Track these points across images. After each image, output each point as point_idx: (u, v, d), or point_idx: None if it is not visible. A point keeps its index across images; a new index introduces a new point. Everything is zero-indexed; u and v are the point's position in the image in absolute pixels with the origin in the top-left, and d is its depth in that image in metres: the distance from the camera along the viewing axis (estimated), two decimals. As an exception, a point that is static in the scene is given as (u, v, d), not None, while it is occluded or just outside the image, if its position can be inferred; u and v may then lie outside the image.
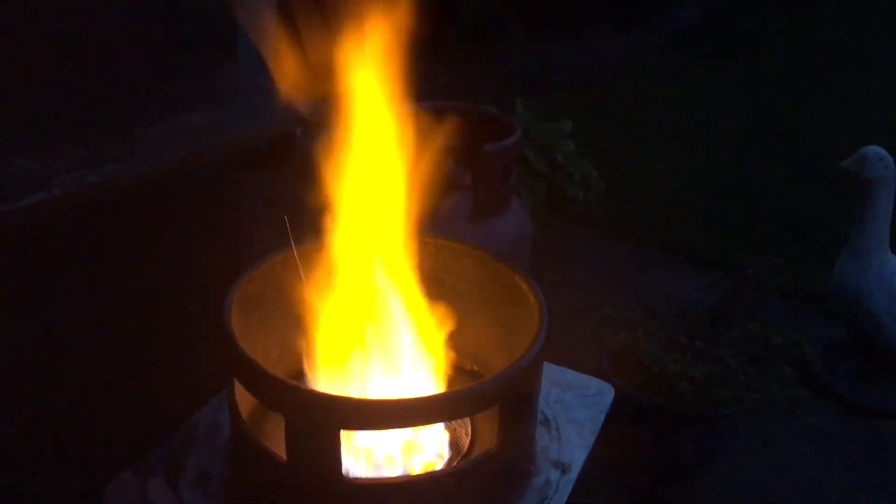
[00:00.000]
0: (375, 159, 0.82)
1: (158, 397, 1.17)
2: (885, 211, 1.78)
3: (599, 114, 3.41)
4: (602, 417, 0.92)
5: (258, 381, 0.73)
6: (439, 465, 0.82)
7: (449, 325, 0.84)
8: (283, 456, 0.74)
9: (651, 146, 3.19)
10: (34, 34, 1.11)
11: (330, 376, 0.82)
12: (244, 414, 0.80)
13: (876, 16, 5.27)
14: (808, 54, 4.51)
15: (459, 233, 0.96)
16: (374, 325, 0.82)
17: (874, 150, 1.81)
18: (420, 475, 0.79)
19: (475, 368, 0.95)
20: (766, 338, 1.69)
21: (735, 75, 4.12)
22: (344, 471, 0.73)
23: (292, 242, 0.84)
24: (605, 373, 1.63)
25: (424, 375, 0.84)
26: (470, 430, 0.88)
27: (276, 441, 0.75)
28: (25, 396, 1.14)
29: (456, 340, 0.89)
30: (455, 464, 0.82)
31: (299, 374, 0.84)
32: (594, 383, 0.97)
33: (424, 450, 0.82)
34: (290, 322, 0.86)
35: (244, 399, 0.79)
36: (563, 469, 0.85)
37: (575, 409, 0.93)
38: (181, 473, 0.83)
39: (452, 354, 0.86)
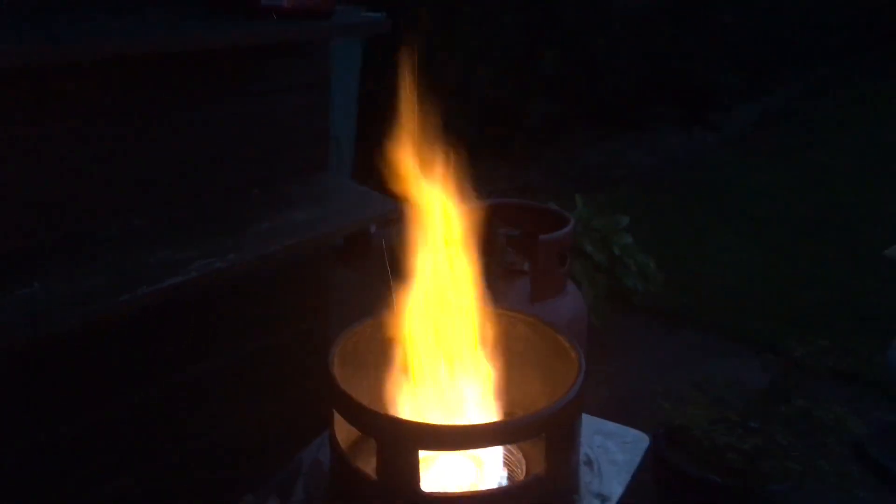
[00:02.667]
0: (445, 249, 1.09)
1: (268, 438, 1.45)
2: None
3: (661, 208, 3.66)
4: (637, 460, 1.14)
5: (356, 411, 0.98)
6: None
7: (506, 375, 1.08)
8: (374, 475, 0.98)
9: (712, 238, 3.40)
10: (170, 153, 1.46)
11: (411, 411, 1.07)
12: (342, 446, 1.05)
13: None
14: (865, 150, 4.70)
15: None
16: (448, 372, 1.08)
17: (916, 237, 1.98)
18: (483, 491, 1.02)
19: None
20: (816, 415, 1.84)
21: (794, 170, 4.33)
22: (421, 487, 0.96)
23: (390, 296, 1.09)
24: (661, 449, 1.82)
25: (487, 411, 1.08)
26: (525, 468, 1.10)
27: (366, 467, 1.00)
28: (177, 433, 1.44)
29: (513, 394, 1.12)
30: (511, 483, 1.05)
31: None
32: (631, 433, 1.19)
33: (487, 476, 1.05)
34: (377, 374, 1.11)
35: (342, 432, 1.04)
36: (604, 499, 1.06)
37: (615, 453, 1.15)
38: (290, 497, 1.08)
39: (509, 402, 1.10)
